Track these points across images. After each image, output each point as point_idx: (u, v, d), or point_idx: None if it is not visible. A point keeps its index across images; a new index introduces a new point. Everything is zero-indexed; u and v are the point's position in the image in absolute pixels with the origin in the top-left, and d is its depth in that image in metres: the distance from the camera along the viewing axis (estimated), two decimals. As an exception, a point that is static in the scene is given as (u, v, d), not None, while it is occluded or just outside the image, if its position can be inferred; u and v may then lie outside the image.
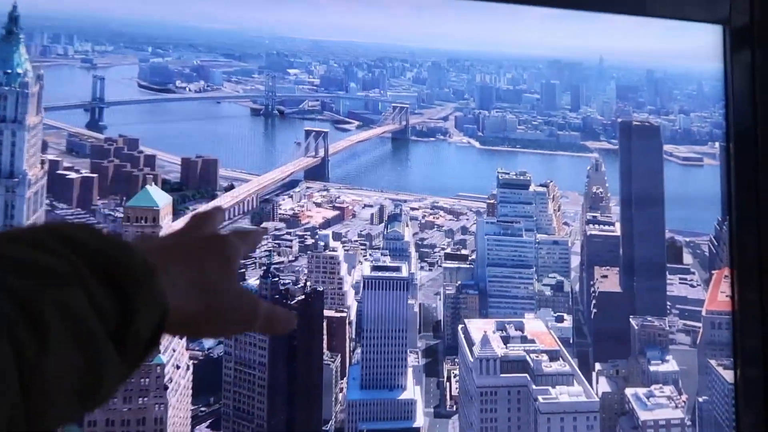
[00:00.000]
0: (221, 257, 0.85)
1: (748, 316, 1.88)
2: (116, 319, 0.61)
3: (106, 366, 0.60)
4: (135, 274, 0.66)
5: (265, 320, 0.88)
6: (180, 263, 0.79)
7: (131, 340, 0.64)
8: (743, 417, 1.86)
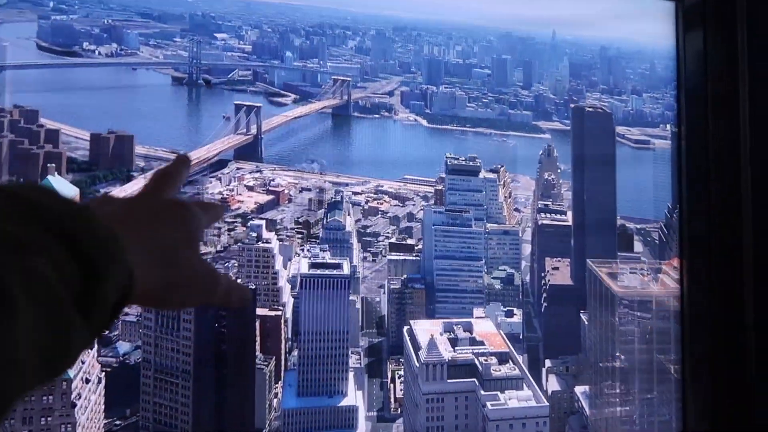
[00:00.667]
0: (184, 227, 0.86)
1: (696, 310, 1.93)
2: (81, 284, 0.63)
3: (72, 331, 0.61)
4: (100, 238, 0.67)
5: (224, 293, 0.90)
6: (140, 231, 0.79)
7: (97, 306, 0.65)
8: (689, 413, 1.92)
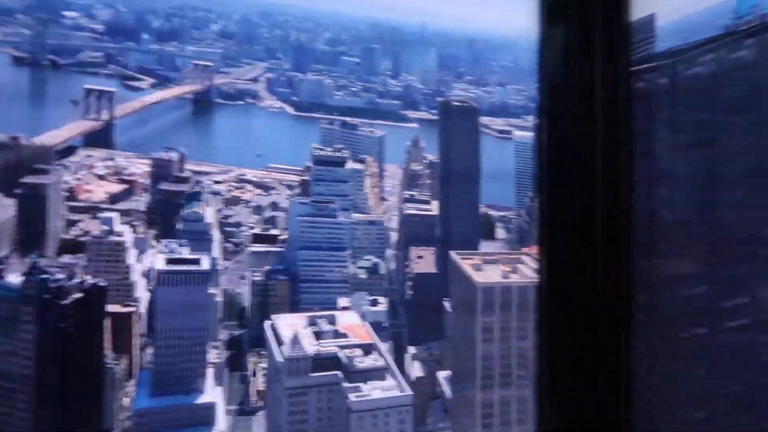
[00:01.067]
0: None
1: (552, 294, 2.03)
2: None
3: None
4: None
5: None
6: None
7: None
8: (544, 403, 2.02)
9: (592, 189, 2.00)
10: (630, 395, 1.90)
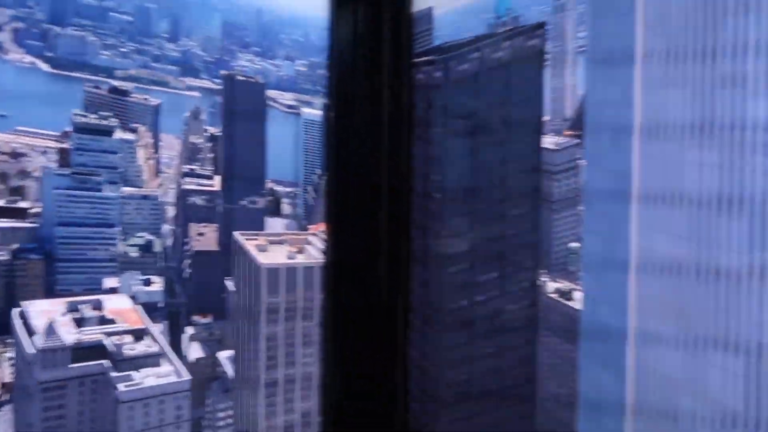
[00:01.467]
0: None
1: (338, 273, 2.15)
2: None
3: None
4: None
5: None
6: None
7: None
8: (327, 373, 2.14)
9: (377, 171, 2.14)
10: (407, 365, 2.10)
